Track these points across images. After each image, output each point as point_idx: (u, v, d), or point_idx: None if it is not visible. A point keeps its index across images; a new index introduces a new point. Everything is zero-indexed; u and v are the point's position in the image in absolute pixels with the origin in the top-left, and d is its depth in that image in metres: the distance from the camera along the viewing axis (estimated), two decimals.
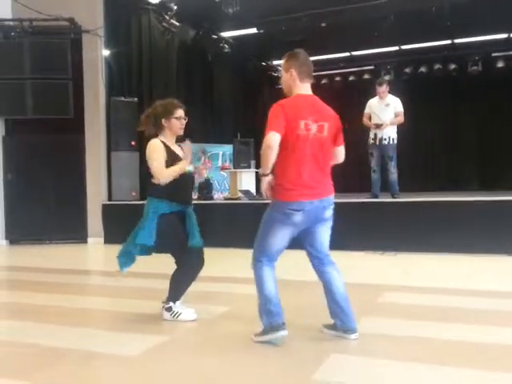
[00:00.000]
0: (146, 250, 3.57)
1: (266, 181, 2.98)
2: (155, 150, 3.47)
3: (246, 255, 6.65)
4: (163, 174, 3.43)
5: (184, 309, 3.55)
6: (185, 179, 3.53)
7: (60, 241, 8.39)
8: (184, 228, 3.57)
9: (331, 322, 3.14)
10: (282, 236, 3.03)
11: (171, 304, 3.53)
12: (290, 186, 2.95)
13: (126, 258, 3.58)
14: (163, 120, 3.55)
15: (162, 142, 3.55)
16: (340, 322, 3.08)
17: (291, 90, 3.05)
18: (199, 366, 2.73)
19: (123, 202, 8.30)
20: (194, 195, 8.99)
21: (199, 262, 3.58)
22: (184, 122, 3.60)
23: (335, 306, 3.09)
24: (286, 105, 2.94)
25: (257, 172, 9.19)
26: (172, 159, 3.50)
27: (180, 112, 3.57)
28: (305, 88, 3.06)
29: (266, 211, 3.08)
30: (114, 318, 3.80)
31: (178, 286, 3.54)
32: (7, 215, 8.49)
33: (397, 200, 7.19)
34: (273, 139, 2.84)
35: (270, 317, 2.99)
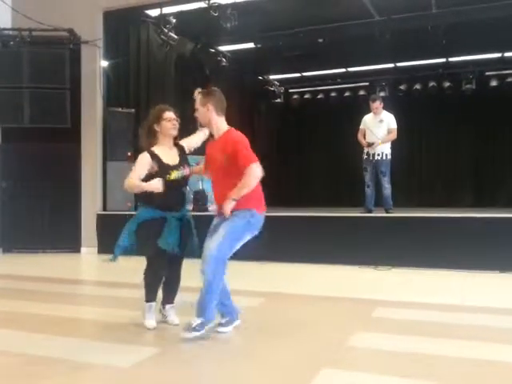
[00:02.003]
0: (126, 251, 3.68)
1: (233, 204, 3.27)
2: (138, 162, 3.63)
3: (238, 267, 6.64)
4: (127, 182, 3.57)
5: (150, 316, 3.66)
6: (170, 186, 3.55)
7: (53, 250, 8.34)
8: (160, 232, 3.59)
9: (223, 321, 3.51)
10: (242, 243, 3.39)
11: (144, 303, 3.67)
12: (260, 198, 3.40)
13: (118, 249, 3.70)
14: (155, 126, 3.68)
15: (152, 153, 3.62)
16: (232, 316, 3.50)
17: (210, 122, 3.48)
18: (191, 378, 2.72)
19: (118, 213, 8.28)
20: (189, 206, 8.98)
21: (160, 264, 3.59)
22: (176, 122, 3.69)
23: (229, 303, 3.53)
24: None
25: None
26: (162, 171, 3.58)
27: (168, 114, 3.68)
28: (223, 121, 3.51)
29: (232, 219, 3.27)
30: (106, 329, 3.78)
31: (145, 285, 3.67)
32: (1, 223, 8.45)
33: (390, 215, 7.22)
34: (259, 170, 3.27)
35: (213, 308, 3.33)
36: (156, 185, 3.49)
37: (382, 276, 6.08)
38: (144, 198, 3.63)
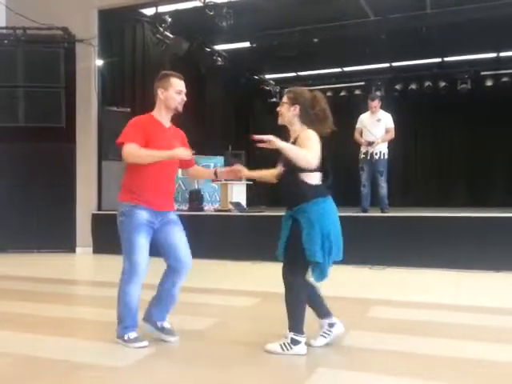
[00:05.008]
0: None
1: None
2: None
3: (234, 267, 6.63)
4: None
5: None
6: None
7: (48, 250, 8.29)
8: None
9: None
10: None
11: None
12: None
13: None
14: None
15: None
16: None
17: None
18: (186, 378, 2.71)
19: (113, 212, 8.22)
20: (185, 206, 8.96)
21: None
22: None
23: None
24: None
25: (247, 184, 9.19)
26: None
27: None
28: None
29: None
30: (101, 329, 3.75)
31: None
32: None
33: (386, 214, 7.23)
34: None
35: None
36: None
37: (377, 275, 6.09)
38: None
